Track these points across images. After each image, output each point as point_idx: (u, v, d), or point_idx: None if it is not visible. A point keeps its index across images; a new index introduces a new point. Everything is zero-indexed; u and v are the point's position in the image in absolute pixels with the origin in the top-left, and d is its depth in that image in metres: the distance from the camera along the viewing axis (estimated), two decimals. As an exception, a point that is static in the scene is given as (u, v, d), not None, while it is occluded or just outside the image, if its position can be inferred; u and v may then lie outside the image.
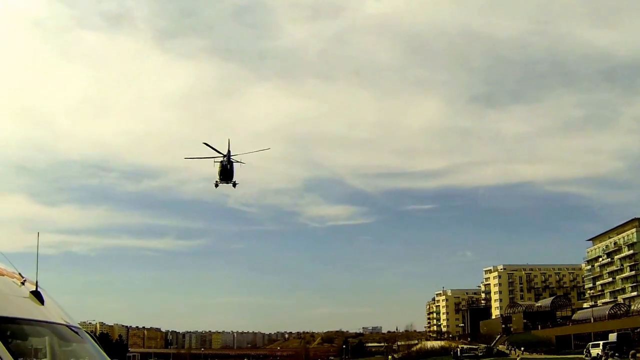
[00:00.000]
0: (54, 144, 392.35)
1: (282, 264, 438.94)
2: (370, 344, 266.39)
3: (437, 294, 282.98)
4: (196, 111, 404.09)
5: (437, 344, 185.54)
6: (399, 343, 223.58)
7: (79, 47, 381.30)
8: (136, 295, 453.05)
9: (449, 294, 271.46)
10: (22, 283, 7.34)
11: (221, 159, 67.06)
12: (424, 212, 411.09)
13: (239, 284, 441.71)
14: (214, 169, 68.67)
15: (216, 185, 69.15)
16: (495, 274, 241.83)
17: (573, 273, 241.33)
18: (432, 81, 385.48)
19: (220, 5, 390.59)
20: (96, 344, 7.78)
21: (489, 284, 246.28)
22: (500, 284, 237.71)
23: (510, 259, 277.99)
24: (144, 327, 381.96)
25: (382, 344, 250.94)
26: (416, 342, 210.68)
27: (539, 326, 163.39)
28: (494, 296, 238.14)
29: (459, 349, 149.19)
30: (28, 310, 6.71)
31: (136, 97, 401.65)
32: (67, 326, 7.39)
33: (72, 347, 7.86)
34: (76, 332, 7.75)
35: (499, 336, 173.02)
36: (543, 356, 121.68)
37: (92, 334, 7.88)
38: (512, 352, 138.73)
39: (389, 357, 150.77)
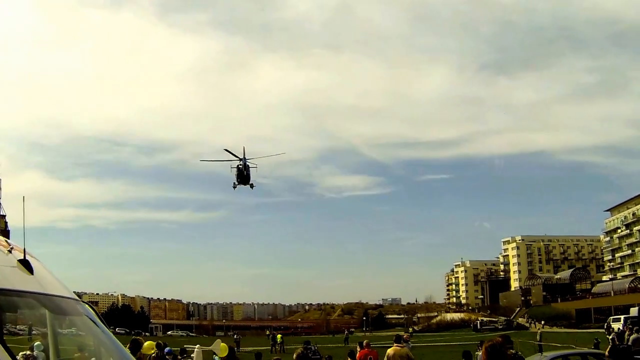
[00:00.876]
0: (67, 121, 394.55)
1: (301, 235, 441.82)
2: (390, 316, 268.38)
3: (455, 265, 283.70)
4: (205, 84, 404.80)
5: (456, 316, 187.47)
6: (418, 315, 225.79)
7: (84, 25, 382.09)
8: (157, 268, 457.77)
9: (468, 265, 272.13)
10: (9, 251, 6.54)
11: (238, 163, 68.37)
12: (440, 182, 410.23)
13: (259, 256, 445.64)
14: (232, 172, 69.45)
15: (234, 187, 70.31)
16: (514, 245, 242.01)
17: (592, 245, 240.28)
18: (440, 49, 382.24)
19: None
20: (96, 317, 6.82)
21: (508, 255, 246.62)
22: (518, 255, 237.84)
23: (528, 230, 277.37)
24: (165, 299, 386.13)
25: (402, 316, 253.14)
26: (436, 314, 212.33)
27: (559, 299, 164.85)
28: (513, 267, 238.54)
29: (478, 322, 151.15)
30: (15, 280, 6.02)
31: (144, 72, 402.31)
32: (60, 297, 6.47)
33: (68, 320, 7.20)
34: (71, 304, 6.86)
35: (518, 309, 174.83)
36: (563, 330, 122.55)
37: (91, 305, 6.99)
38: (532, 325, 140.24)
39: (410, 329, 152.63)
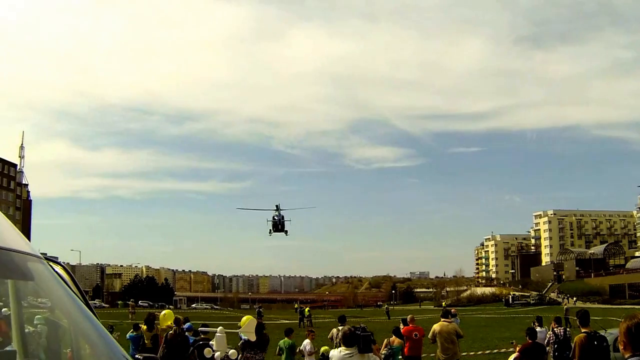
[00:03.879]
0: (95, 89, 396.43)
1: (328, 206, 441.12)
2: (418, 290, 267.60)
3: (485, 239, 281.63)
4: (237, 53, 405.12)
5: (487, 290, 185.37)
6: (447, 289, 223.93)
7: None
8: (182, 239, 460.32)
9: (498, 239, 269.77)
10: None
11: (274, 214, 74.30)
12: (471, 155, 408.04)
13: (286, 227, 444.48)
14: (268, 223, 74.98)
15: (270, 233, 75.12)
16: (545, 219, 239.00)
17: (624, 220, 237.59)
18: (477, 21, 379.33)
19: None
20: (64, 282, 4.77)
21: (539, 230, 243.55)
22: (550, 230, 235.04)
23: (560, 204, 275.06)
24: (190, 271, 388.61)
25: (431, 290, 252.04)
26: (465, 288, 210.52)
27: (592, 274, 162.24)
28: (544, 242, 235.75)
29: (510, 296, 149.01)
30: None
31: (176, 40, 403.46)
32: (15, 252, 4.42)
33: (28, 284, 5.05)
34: (32, 262, 4.73)
35: (550, 284, 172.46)
36: (597, 306, 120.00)
37: (64, 266, 5.17)
38: (565, 300, 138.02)
39: (443, 302, 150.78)
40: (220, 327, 9.42)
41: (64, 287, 4.74)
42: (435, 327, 18.81)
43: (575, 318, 14.63)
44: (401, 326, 20.39)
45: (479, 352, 32.19)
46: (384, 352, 18.95)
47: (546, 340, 18.63)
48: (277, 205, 75.32)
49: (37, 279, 4.65)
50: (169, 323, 19.05)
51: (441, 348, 18.57)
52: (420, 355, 20.35)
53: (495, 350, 33.16)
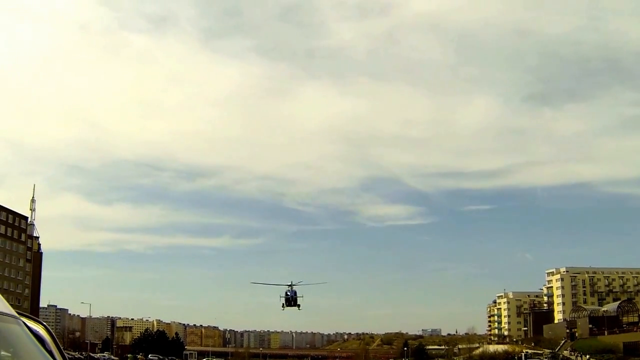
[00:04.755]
0: (106, 144, 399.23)
1: (340, 263, 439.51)
2: (430, 347, 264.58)
3: (498, 297, 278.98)
4: (247, 110, 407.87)
5: (500, 347, 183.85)
6: (459, 346, 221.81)
7: (127, 49, 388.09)
8: (194, 294, 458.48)
9: (511, 296, 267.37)
10: None
11: (286, 289, 78.42)
12: (482, 213, 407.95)
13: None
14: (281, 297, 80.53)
15: (283, 307, 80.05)
16: (558, 276, 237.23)
17: (637, 277, 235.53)
18: (485, 79, 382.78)
19: (266, 5, 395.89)
20: (39, 345, 4.58)
21: (552, 287, 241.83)
22: (563, 287, 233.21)
23: (572, 261, 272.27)
24: (201, 326, 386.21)
25: (443, 347, 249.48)
26: (477, 345, 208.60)
27: (605, 332, 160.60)
28: (557, 299, 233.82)
29: (523, 354, 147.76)
30: None
31: (186, 96, 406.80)
32: None
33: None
34: (7, 323, 4.71)
35: (563, 341, 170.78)
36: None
37: (46, 325, 4.87)
38: (578, 358, 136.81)
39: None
40: None
41: (40, 351, 4.53)
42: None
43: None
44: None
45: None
46: None
47: None
48: (290, 283, 78.78)
49: (10, 342, 4.48)
50: None
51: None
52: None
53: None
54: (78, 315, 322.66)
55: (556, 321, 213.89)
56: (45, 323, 4.69)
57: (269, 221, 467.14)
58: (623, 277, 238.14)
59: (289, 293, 77.77)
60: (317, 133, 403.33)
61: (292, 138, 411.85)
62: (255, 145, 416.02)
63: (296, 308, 78.94)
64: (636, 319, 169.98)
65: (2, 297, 4.85)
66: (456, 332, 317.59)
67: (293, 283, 78.01)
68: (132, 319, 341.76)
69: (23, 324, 4.59)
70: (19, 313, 4.52)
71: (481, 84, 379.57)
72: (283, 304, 78.04)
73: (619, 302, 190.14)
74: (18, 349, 4.47)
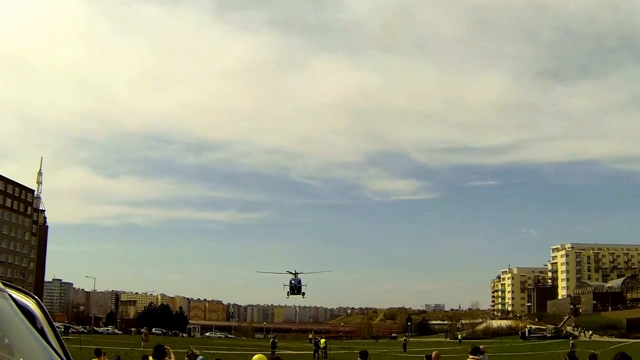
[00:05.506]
0: (115, 117, 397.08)
1: (345, 238, 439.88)
2: (433, 322, 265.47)
3: (502, 272, 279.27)
4: (257, 83, 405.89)
5: (503, 323, 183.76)
6: (463, 321, 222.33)
7: (138, 21, 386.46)
8: (198, 268, 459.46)
9: (515, 272, 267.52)
10: None
11: (291, 278, 79.65)
12: (488, 189, 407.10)
13: (301, 258, 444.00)
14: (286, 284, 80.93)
15: (287, 296, 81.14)
16: (563, 252, 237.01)
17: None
18: (498, 54, 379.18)
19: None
20: (25, 319, 3.90)
21: (556, 263, 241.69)
22: (567, 263, 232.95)
23: (577, 238, 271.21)
24: (205, 300, 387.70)
25: (446, 322, 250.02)
26: (480, 320, 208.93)
27: (609, 308, 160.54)
28: (561, 275, 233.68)
29: (526, 329, 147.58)
30: None
31: (197, 69, 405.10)
32: None
33: None
34: None
35: (567, 317, 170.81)
36: (614, 340, 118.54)
37: (37, 299, 4.13)
38: (581, 334, 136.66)
39: (459, 335, 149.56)
40: None
41: (28, 328, 3.87)
42: (465, 364, 17.97)
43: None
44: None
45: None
46: None
47: None
48: (294, 271, 79.62)
49: None
50: None
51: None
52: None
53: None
54: (83, 290, 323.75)
55: (560, 297, 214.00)
56: (36, 296, 3.85)
57: (274, 195, 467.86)
58: (628, 253, 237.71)
59: (293, 282, 78.86)
60: (325, 106, 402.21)
61: (299, 112, 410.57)
62: (263, 119, 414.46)
63: (300, 296, 79.89)
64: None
65: None
66: (459, 307, 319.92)
67: (297, 272, 79.09)
68: (137, 293, 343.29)
69: (9, 297, 3.91)
70: (4, 284, 3.82)
71: (493, 59, 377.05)
72: (287, 292, 79.29)
73: (623, 278, 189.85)
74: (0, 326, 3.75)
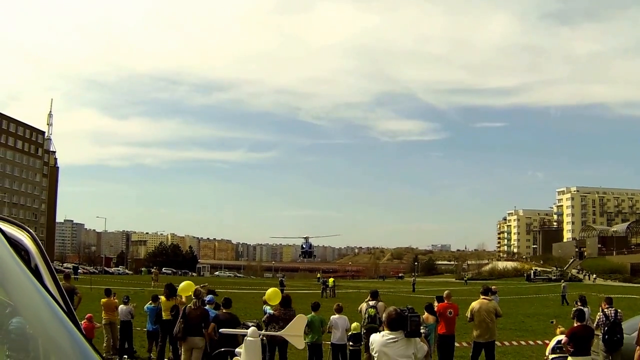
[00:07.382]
0: (124, 58, 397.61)
1: (353, 178, 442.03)
2: (439, 262, 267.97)
3: (508, 214, 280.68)
4: (266, 25, 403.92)
5: (509, 264, 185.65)
6: (469, 262, 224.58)
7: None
8: (207, 207, 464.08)
9: (521, 214, 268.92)
10: None
11: (302, 243, 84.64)
12: (495, 130, 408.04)
13: (310, 197, 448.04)
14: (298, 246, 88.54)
15: (300, 258, 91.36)
16: (569, 195, 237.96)
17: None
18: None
19: None
20: (15, 255, 2.66)
21: (562, 206, 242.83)
22: (572, 206, 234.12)
23: (583, 182, 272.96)
24: (215, 239, 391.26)
25: (452, 262, 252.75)
26: (487, 261, 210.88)
27: (614, 252, 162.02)
28: (566, 218, 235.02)
29: (532, 272, 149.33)
30: None
31: (206, 11, 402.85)
32: None
33: None
34: None
35: (572, 260, 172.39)
36: (617, 284, 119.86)
37: (33, 233, 3.24)
38: (585, 277, 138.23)
39: (465, 276, 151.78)
40: (252, 329, 5.67)
41: (19, 265, 3.12)
42: (474, 304, 18.12)
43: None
44: (435, 303, 19.85)
45: (508, 329, 31.43)
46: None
47: (595, 323, 17.40)
48: (306, 237, 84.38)
49: None
50: (189, 294, 17.07)
51: (479, 327, 17.82)
52: (454, 334, 19.23)
53: (523, 328, 33.33)
54: (94, 230, 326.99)
55: (565, 240, 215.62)
56: (30, 230, 3.27)
57: (283, 135, 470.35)
58: (633, 198, 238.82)
59: (304, 246, 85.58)
60: (334, 47, 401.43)
61: (308, 53, 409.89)
62: (272, 60, 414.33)
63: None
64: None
65: None
66: (465, 248, 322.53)
67: (309, 237, 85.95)
68: (147, 233, 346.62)
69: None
70: None
71: (499, 1, 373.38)
72: (300, 255, 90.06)
73: (628, 222, 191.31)
74: None
